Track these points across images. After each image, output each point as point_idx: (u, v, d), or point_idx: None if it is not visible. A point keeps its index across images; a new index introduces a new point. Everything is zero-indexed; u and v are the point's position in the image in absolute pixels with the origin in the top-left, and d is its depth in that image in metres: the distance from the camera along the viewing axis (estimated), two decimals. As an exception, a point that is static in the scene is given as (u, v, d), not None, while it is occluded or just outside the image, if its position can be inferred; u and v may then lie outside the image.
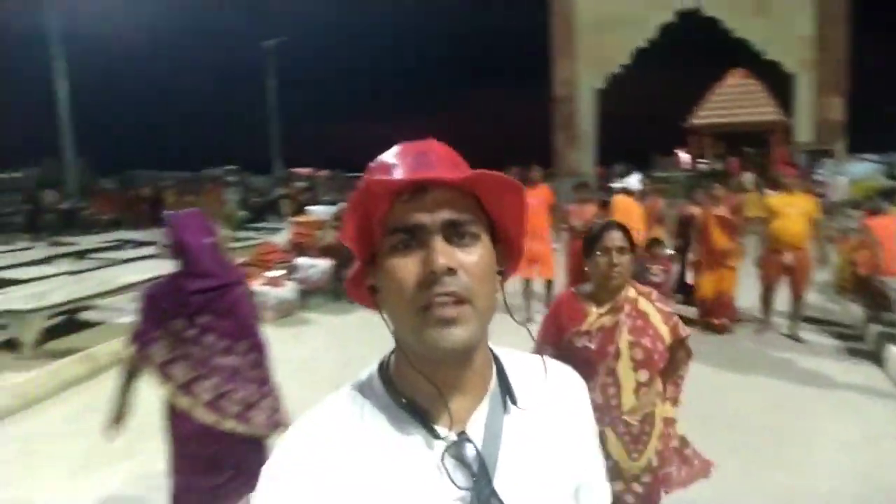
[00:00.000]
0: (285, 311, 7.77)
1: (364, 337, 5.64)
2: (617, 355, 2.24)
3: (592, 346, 2.25)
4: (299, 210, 12.07)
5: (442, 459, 0.74)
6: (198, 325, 2.56)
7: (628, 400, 2.25)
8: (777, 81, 20.91)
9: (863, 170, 15.85)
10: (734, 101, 26.52)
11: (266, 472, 0.76)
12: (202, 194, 19.91)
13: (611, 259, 2.26)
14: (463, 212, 0.74)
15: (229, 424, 2.54)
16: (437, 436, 0.76)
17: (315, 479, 0.73)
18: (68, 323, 6.93)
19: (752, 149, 25.52)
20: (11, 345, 5.69)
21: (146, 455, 3.75)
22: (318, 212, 10.55)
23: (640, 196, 7.61)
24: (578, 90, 21.46)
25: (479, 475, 0.75)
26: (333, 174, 32.54)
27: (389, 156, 0.77)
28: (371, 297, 0.80)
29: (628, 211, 6.87)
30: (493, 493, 0.76)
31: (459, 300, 0.71)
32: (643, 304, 2.33)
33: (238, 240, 12.03)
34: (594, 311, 2.31)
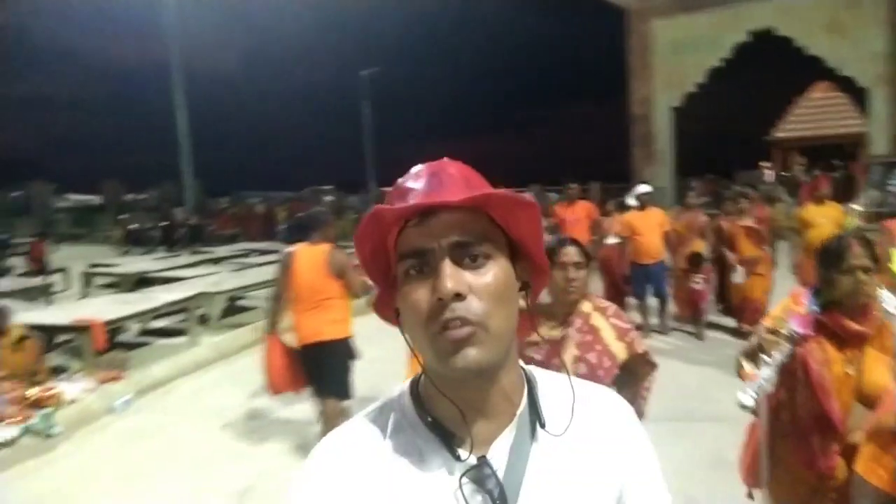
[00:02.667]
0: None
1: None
2: (560, 369, 2.75)
3: (539, 358, 2.24)
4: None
5: (459, 483, 0.74)
6: None
7: None
8: (854, 96, 21.30)
9: (936, 181, 16.19)
10: (819, 113, 26.79)
11: (295, 482, 0.79)
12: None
13: (567, 274, 2.28)
14: (472, 233, 0.74)
15: None
16: (458, 458, 0.75)
17: (338, 493, 0.76)
18: (232, 307, 9.00)
19: (838, 161, 25.47)
20: (203, 319, 7.73)
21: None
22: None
23: (682, 209, 7.72)
24: (655, 109, 22.56)
25: (498, 500, 0.74)
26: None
27: (405, 179, 0.78)
28: (397, 319, 0.79)
29: (630, 223, 7.03)
30: None
31: (470, 324, 0.71)
32: (596, 320, 2.35)
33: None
34: (547, 323, 2.35)
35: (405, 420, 0.80)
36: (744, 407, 2.17)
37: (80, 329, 5.88)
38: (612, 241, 7.63)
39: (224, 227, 24.28)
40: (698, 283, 6.91)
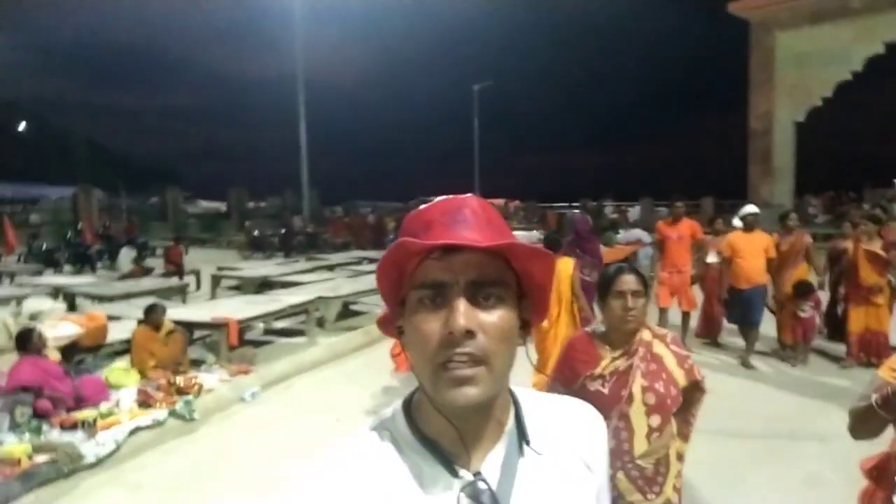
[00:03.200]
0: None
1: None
2: (630, 400, 2.24)
3: (605, 391, 2.24)
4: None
5: (458, 499, 0.78)
6: None
7: (640, 445, 2.25)
8: None
9: None
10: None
11: (293, 500, 0.82)
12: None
13: (625, 302, 2.26)
14: (490, 274, 0.77)
15: None
16: (455, 474, 0.79)
17: None
18: (346, 311, 9.56)
19: None
20: (320, 321, 8.30)
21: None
22: (521, 235, 12.65)
23: (785, 231, 7.16)
24: (776, 123, 21.64)
25: None
26: (526, 204, 34.79)
27: (427, 211, 0.82)
28: (399, 336, 0.83)
29: (733, 244, 6.75)
30: None
31: (475, 361, 0.74)
32: (658, 348, 2.33)
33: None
34: (608, 354, 2.31)
35: (401, 439, 0.83)
36: None
37: (218, 326, 6.54)
38: (711, 259, 7.52)
39: (337, 235, 25.42)
40: (805, 311, 6.63)
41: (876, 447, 2.08)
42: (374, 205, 37.98)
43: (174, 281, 12.53)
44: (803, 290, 6.64)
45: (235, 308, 7.34)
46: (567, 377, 2.34)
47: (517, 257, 0.80)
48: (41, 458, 4.20)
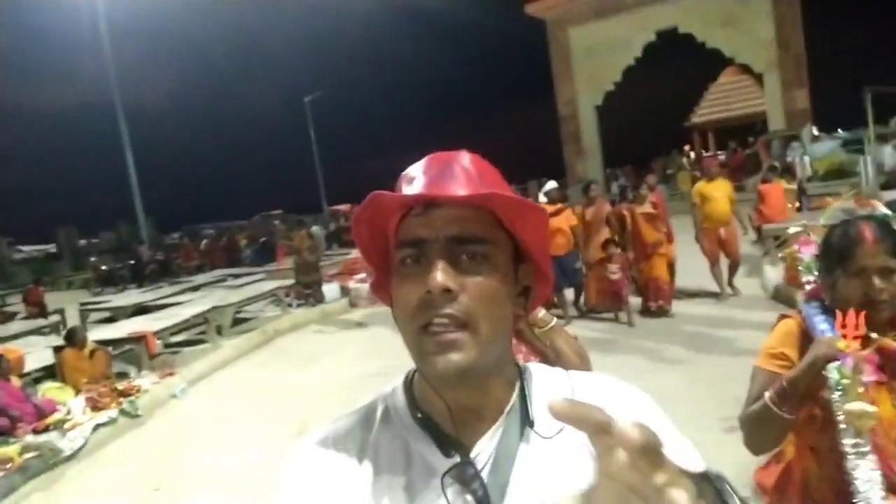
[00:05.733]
0: (373, 300, 11.18)
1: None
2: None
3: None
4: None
5: (442, 482, 0.72)
6: None
7: None
8: (757, 77, 23.83)
9: (824, 148, 18.66)
10: (728, 96, 29.53)
11: (284, 473, 0.80)
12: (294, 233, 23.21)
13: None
14: (474, 230, 0.72)
15: None
16: (446, 455, 0.74)
17: (324, 485, 0.76)
18: (235, 319, 10.45)
19: (752, 138, 27.89)
20: (218, 329, 9.19)
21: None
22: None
23: (588, 201, 7.93)
24: (580, 108, 24.76)
25: (481, 501, 0.72)
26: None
27: (417, 166, 0.77)
28: (392, 303, 0.78)
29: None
30: None
31: (458, 324, 0.69)
32: None
33: (326, 258, 15.69)
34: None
35: (396, 415, 0.79)
36: None
37: (137, 339, 7.33)
38: None
39: (189, 259, 25.31)
40: (615, 272, 7.20)
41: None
42: (217, 225, 37.43)
43: (42, 321, 12.56)
44: (609, 245, 7.29)
45: (141, 325, 8.09)
46: None
47: (502, 210, 0.74)
48: (29, 455, 4.99)
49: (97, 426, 5.66)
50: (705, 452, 0.69)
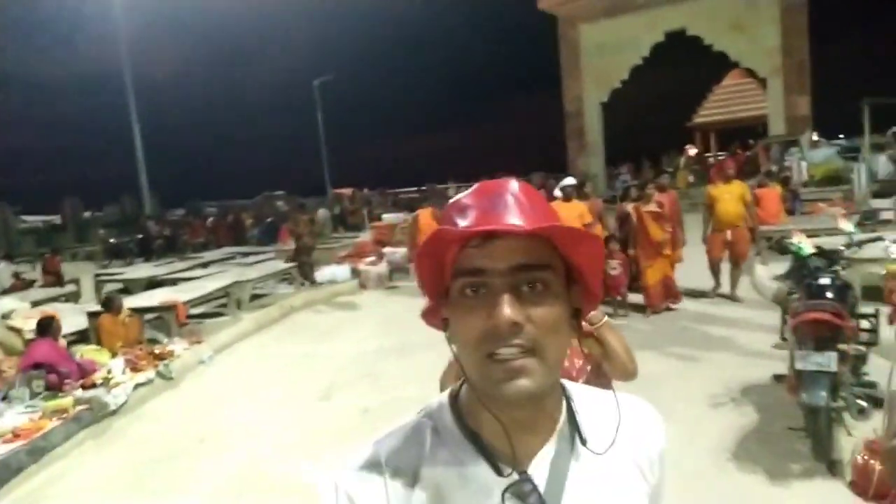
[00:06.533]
0: (381, 283, 11.69)
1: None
2: None
3: None
4: (375, 218, 16.15)
5: (502, 499, 0.74)
6: None
7: None
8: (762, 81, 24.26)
9: (821, 155, 19.15)
10: (732, 99, 30.01)
11: (330, 490, 0.79)
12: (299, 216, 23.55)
13: None
14: (533, 260, 0.73)
15: None
16: (500, 473, 0.75)
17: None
18: (252, 294, 10.94)
19: (752, 141, 28.29)
20: (238, 303, 9.68)
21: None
22: (390, 218, 14.58)
23: (583, 197, 8.22)
24: (586, 104, 25.17)
25: None
26: (378, 191, 36.58)
27: (467, 196, 0.78)
28: (445, 328, 0.79)
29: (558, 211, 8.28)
30: None
31: (526, 351, 0.70)
32: None
33: (334, 241, 16.18)
34: None
35: (446, 433, 0.80)
36: None
37: (168, 308, 7.83)
38: None
39: (196, 235, 25.75)
40: (615, 268, 7.40)
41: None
42: (221, 204, 37.76)
43: (60, 290, 13.04)
44: (609, 241, 7.41)
45: (168, 295, 8.58)
46: None
47: (562, 241, 0.75)
48: (81, 408, 5.50)
49: (137, 385, 6.16)
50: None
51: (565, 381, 0.85)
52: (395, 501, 0.77)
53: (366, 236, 14.48)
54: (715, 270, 8.15)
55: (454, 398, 0.83)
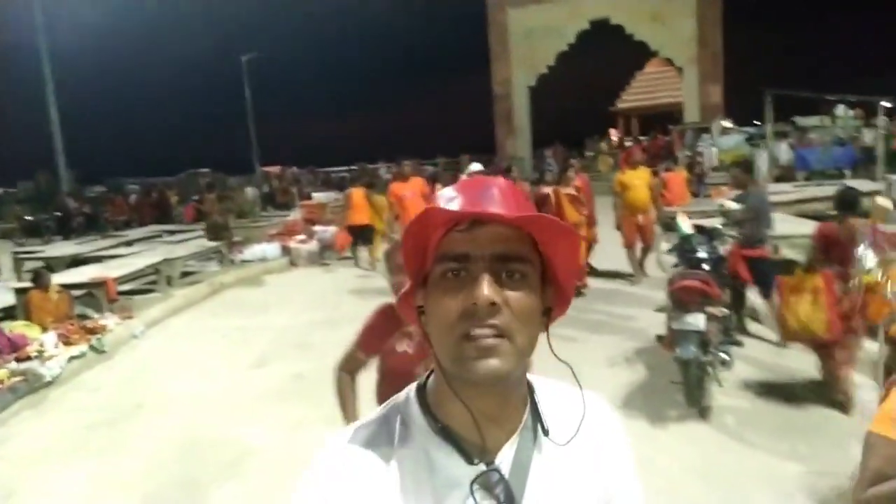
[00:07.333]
0: (311, 260, 11.95)
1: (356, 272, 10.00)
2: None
3: (410, 351, 2.28)
4: (305, 197, 16.30)
5: (471, 488, 0.76)
6: None
7: None
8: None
9: (730, 141, 20.41)
10: (652, 86, 31.28)
11: (299, 490, 0.80)
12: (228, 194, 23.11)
13: (395, 279, 2.36)
14: (515, 249, 0.76)
15: None
16: (470, 462, 0.78)
17: (347, 499, 0.77)
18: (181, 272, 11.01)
19: (672, 126, 29.56)
20: (168, 279, 9.77)
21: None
22: (321, 197, 14.79)
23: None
24: (514, 88, 25.82)
25: None
26: (308, 169, 36.29)
27: (454, 188, 0.80)
28: (418, 316, 0.82)
29: None
30: None
31: (499, 333, 0.73)
32: None
33: (263, 219, 16.23)
34: None
35: (414, 425, 0.82)
36: None
37: (98, 284, 7.91)
38: None
39: (118, 213, 25.07)
40: None
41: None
42: (143, 181, 36.66)
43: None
44: None
45: (97, 272, 8.63)
46: (377, 342, 2.41)
47: (544, 233, 0.78)
48: (16, 379, 5.65)
49: (71, 358, 6.32)
50: (592, 384, 0.89)
51: (529, 376, 0.86)
52: (366, 495, 0.78)
53: (296, 215, 14.63)
54: (632, 256, 8.50)
55: (421, 390, 0.85)
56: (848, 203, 4.58)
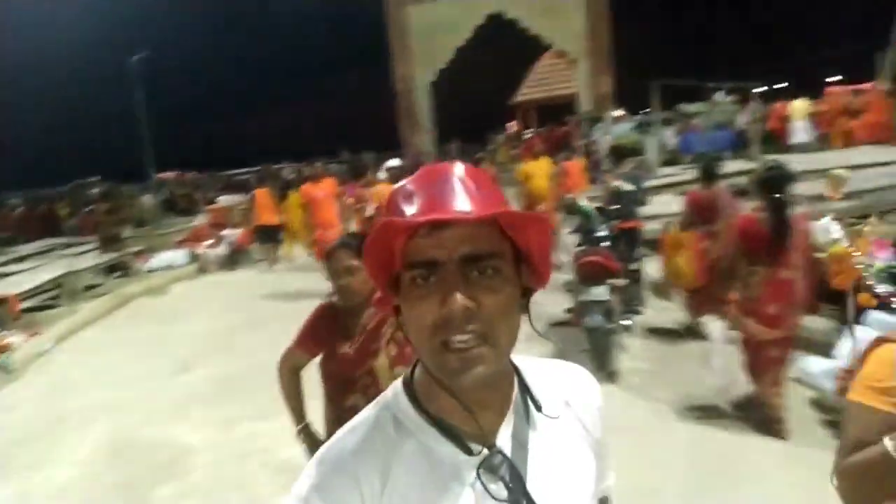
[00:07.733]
0: (222, 265, 11.80)
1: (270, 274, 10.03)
2: (376, 353, 2.28)
3: (351, 353, 2.28)
4: (209, 202, 15.96)
5: (478, 474, 0.77)
6: None
7: None
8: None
9: (621, 129, 21.54)
10: (548, 79, 32.33)
11: (297, 495, 0.78)
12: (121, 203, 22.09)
13: (339, 281, 2.31)
14: (483, 246, 0.73)
15: None
16: (469, 451, 0.78)
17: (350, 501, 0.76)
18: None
19: (569, 117, 30.64)
20: (71, 292, 9.43)
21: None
22: (226, 200, 14.57)
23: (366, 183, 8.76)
24: (415, 84, 26.11)
25: (513, 486, 0.78)
26: (208, 173, 35.17)
27: (412, 181, 0.78)
28: (397, 315, 0.81)
29: (382, 195, 7.47)
30: (531, 502, 0.79)
31: (479, 339, 0.72)
32: None
33: (168, 227, 15.76)
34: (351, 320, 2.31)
35: (407, 421, 0.81)
36: None
37: (1, 301, 7.58)
38: (370, 212, 8.14)
39: (2, 229, 23.56)
40: None
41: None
42: (26, 193, 34.43)
43: None
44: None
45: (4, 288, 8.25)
46: (318, 343, 2.40)
47: (511, 224, 0.77)
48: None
49: (-22, 378, 6.08)
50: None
51: (513, 356, 0.85)
52: (369, 500, 0.77)
53: (202, 220, 14.34)
54: None
55: (408, 385, 0.85)
56: (711, 173, 5.31)
